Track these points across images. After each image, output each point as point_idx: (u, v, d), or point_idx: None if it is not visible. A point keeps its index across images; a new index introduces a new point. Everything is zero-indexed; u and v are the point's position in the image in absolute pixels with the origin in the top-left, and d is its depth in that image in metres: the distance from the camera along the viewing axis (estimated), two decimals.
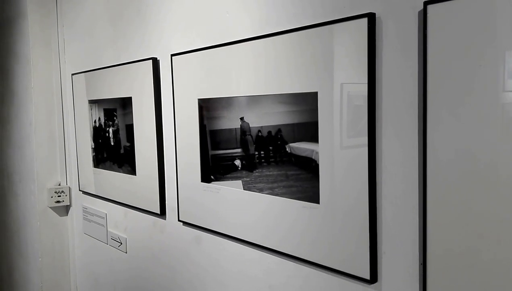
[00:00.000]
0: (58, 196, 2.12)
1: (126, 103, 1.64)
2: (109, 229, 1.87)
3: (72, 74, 2.02)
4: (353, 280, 0.95)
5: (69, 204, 2.16)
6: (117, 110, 1.71)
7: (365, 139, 0.89)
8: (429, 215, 0.80)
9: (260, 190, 1.14)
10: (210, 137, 1.29)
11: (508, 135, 0.69)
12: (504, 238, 0.71)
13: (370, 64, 0.87)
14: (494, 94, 0.70)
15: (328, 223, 0.98)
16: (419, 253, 0.83)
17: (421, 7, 0.80)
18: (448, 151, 0.76)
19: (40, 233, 2.11)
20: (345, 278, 0.96)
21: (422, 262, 0.82)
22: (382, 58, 0.87)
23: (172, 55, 1.39)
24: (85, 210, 2.04)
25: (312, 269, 1.03)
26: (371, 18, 0.87)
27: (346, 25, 0.91)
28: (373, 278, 0.91)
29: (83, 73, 1.93)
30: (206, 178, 1.32)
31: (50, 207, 2.13)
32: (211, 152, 1.29)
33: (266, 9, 1.10)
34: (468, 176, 0.74)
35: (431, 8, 0.78)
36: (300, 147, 1.04)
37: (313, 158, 1.01)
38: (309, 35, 0.98)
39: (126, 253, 1.77)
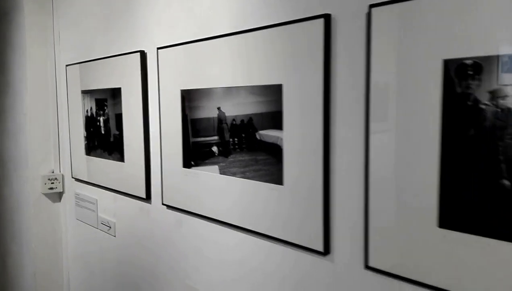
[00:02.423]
0: (52, 183, 2.28)
1: (115, 93, 1.80)
2: (99, 214, 2.03)
3: (66, 65, 2.18)
4: (309, 253, 1.10)
5: (62, 190, 2.32)
6: (107, 100, 1.87)
7: (320, 128, 1.04)
8: (371, 194, 0.95)
9: (234, 174, 1.30)
10: (191, 126, 1.45)
11: (434, 126, 0.84)
12: (428, 207, 0.86)
13: (325, 59, 1.02)
14: (427, 92, 0.85)
15: (290, 202, 1.13)
16: (363, 228, 0.98)
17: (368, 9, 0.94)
18: (385, 138, 0.91)
19: (34, 219, 2.28)
20: (303, 251, 1.12)
21: (365, 236, 0.97)
22: (337, 54, 1.02)
23: (158, 48, 1.54)
24: (77, 196, 2.20)
25: (273, 244, 1.19)
26: (327, 18, 1.02)
27: (305, 25, 1.05)
28: (326, 250, 1.06)
29: (76, 65, 2.08)
30: (187, 163, 1.47)
31: (44, 194, 2.29)
32: (192, 139, 1.45)
33: (243, 7, 1.24)
34: (403, 159, 0.89)
35: (374, 10, 0.92)
36: (268, 134, 1.19)
37: (278, 144, 1.16)
38: (274, 33, 1.13)
39: (115, 236, 1.93)
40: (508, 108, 0.75)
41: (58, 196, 2.35)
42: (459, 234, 0.83)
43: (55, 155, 2.32)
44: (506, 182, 0.76)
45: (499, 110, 0.76)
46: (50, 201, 2.32)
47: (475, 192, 0.80)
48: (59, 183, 2.30)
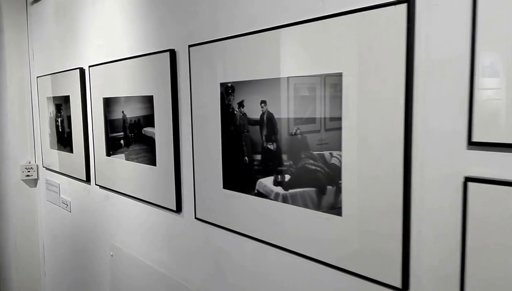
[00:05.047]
0: (28, 171, 2.79)
1: (67, 100, 2.29)
2: (61, 195, 2.53)
3: (37, 77, 2.68)
4: (168, 211, 1.57)
5: (37, 177, 2.83)
6: (62, 105, 2.36)
7: (171, 126, 1.51)
8: (196, 171, 1.41)
9: (132, 160, 1.77)
10: (109, 125, 1.93)
11: (218, 125, 1.29)
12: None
13: (172, 80, 1.49)
14: (213, 102, 1.31)
15: (159, 178, 1.60)
16: (193, 194, 1.45)
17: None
18: (198, 130, 1.38)
19: (14, 200, 2.79)
20: (166, 210, 1.59)
21: (194, 199, 1.44)
22: (180, 76, 1.48)
23: (89, 66, 2.03)
24: (47, 182, 2.70)
25: (150, 207, 1.66)
26: (172, 52, 1.48)
27: (161, 55, 1.52)
28: (178, 209, 1.53)
29: (44, 76, 2.58)
30: (108, 153, 1.95)
31: (22, 180, 2.80)
32: (110, 135, 1.93)
33: (131, 41, 1.71)
34: (206, 145, 1.35)
35: (192, 48, 1.38)
36: (148, 130, 1.66)
37: (153, 137, 1.63)
38: (146, 59, 1.60)
39: (70, 212, 2.43)
40: (244, 113, 1.20)
41: (34, 182, 2.86)
42: (233, 192, 1.28)
43: (31, 149, 2.83)
44: (246, 158, 1.21)
45: (241, 114, 1.22)
46: (28, 186, 2.84)
47: (234, 165, 1.26)
48: (34, 171, 2.81)
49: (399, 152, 0.83)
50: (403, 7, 0.78)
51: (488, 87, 0.69)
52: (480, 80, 0.69)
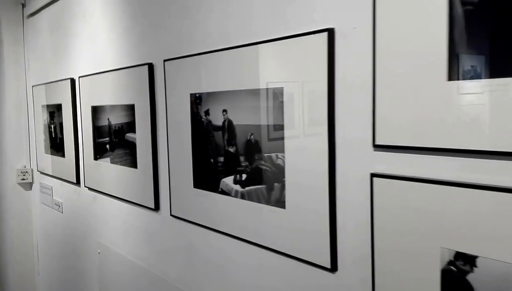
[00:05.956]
0: (23, 175, 2.94)
1: (59, 108, 2.45)
2: (53, 197, 2.68)
3: (32, 86, 2.84)
4: (148, 210, 1.72)
5: (31, 181, 2.99)
6: (55, 112, 2.52)
7: (149, 132, 1.66)
8: (171, 173, 1.57)
9: (116, 163, 1.93)
10: (96, 131, 2.08)
11: (188, 131, 1.45)
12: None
13: (150, 90, 1.64)
14: (184, 110, 1.47)
15: (139, 179, 1.75)
16: (169, 192, 1.60)
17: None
18: (173, 136, 1.53)
19: (11, 202, 2.94)
20: (146, 209, 1.74)
21: (169, 197, 1.59)
22: (157, 86, 1.64)
23: (79, 76, 2.19)
24: (41, 185, 2.85)
25: (132, 206, 1.82)
26: (150, 65, 1.64)
27: (141, 68, 1.68)
28: (156, 207, 1.68)
29: (39, 86, 2.74)
30: (95, 157, 2.11)
31: (18, 183, 2.95)
32: (97, 140, 2.08)
33: (115, 54, 1.88)
34: (179, 149, 1.51)
35: (166, 63, 1.54)
36: (130, 136, 1.82)
37: (134, 142, 1.78)
38: (127, 71, 1.76)
39: (62, 213, 2.58)
40: (210, 121, 1.36)
41: (29, 185, 3.02)
42: (202, 191, 1.43)
43: (27, 154, 2.98)
44: (212, 160, 1.37)
45: (208, 121, 1.37)
46: (23, 189, 2.99)
47: (202, 167, 1.41)
48: (29, 175, 2.96)
49: (325, 154, 0.98)
50: (325, 35, 0.94)
51: (387, 101, 0.85)
52: (379, 95, 0.85)
